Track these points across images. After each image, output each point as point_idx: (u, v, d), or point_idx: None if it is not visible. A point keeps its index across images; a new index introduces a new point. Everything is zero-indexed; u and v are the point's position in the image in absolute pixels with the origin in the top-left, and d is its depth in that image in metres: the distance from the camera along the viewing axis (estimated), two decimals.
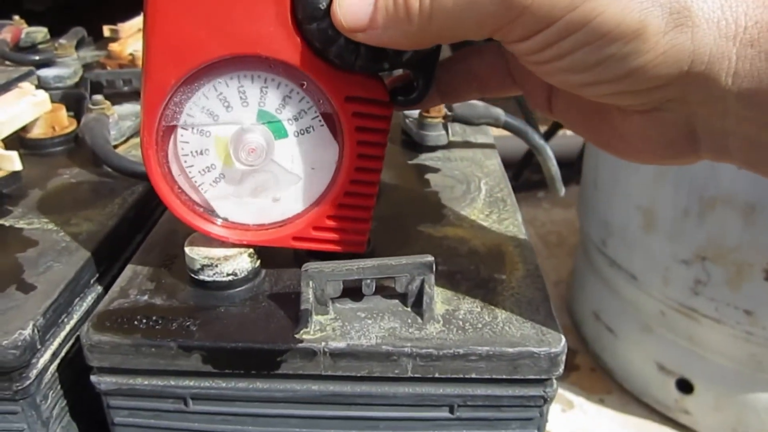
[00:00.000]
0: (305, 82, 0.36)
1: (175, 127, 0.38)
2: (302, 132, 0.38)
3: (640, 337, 1.03)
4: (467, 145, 0.65)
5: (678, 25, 0.28)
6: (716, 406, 0.96)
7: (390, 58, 0.35)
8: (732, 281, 0.84)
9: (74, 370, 0.42)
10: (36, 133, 0.61)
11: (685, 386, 0.99)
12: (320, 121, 0.38)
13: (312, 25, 0.33)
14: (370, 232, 0.43)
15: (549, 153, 0.67)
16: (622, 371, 1.09)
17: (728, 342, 0.90)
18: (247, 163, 0.38)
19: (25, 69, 0.77)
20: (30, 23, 0.95)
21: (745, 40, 0.27)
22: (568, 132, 1.94)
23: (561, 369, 0.37)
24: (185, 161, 0.38)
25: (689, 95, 0.30)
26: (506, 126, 0.65)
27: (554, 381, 0.38)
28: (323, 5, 0.32)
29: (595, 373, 1.14)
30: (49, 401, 0.40)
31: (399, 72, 0.44)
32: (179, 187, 0.40)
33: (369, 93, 0.37)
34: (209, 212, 0.41)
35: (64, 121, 0.63)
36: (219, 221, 0.41)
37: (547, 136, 1.60)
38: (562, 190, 0.71)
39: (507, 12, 0.29)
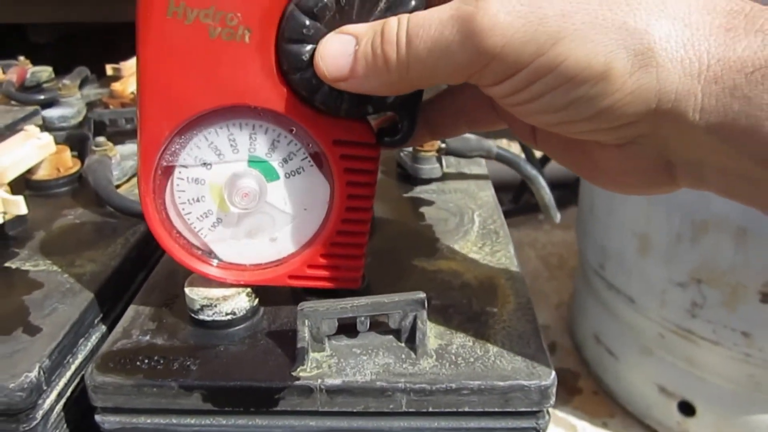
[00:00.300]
0: (294, 128, 0.38)
1: (170, 174, 0.39)
2: (293, 173, 0.39)
3: (641, 359, 1.04)
4: (461, 176, 0.67)
5: (643, 66, 0.29)
6: (718, 428, 0.96)
7: (374, 102, 0.36)
8: (728, 303, 0.85)
9: (79, 409, 0.43)
10: (41, 174, 0.63)
11: (687, 408, 1.00)
12: (309, 162, 0.39)
13: (296, 75, 0.35)
14: (364, 267, 0.45)
15: (541, 182, 0.68)
16: (625, 394, 1.09)
17: (727, 364, 0.91)
18: (241, 206, 0.39)
19: (30, 108, 0.79)
20: (34, 55, 0.97)
21: (709, 77, 0.28)
22: None
23: (552, 401, 0.38)
24: (183, 208, 0.40)
25: (660, 130, 0.31)
26: (498, 158, 0.66)
27: (546, 412, 0.39)
28: (306, 56, 0.34)
29: (597, 396, 1.14)
30: None
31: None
32: (177, 231, 0.41)
33: (356, 136, 0.38)
34: (207, 254, 0.42)
35: (69, 162, 0.65)
36: (215, 262, 0.42)
37: (544, 159, 1.62)
38: (558, 217, 0.73)
39: (477, 60, 0.30)
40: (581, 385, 1.16)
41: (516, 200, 1.78)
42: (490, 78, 0.31)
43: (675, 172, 0.34)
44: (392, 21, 0.32)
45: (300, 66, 0.34)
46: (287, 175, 0.39)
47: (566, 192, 1.56)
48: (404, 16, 0.32)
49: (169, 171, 0.39)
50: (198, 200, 0.40)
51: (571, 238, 1.62)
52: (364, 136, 0.38)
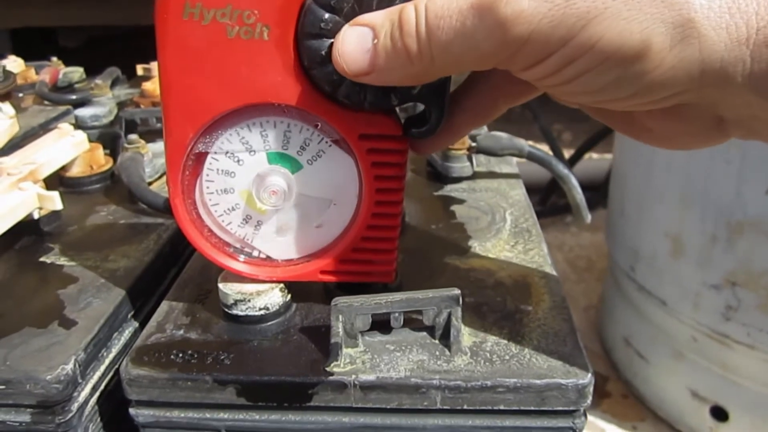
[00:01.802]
0: (319, 123, 0.38)
1: (198, 174, 0.39)
2: (314, 158, 0.39)
3: (672, 363, 1.02)
4: (492, 175, 0.66)
5: (684, 38, 0.27)
6: None
7: (398, 93, 0.36)
8: (763, 306, 0.83)
9: (112, 403, 0.43)
10: (74, 171, 0.64)
11: (719, 414, 0.98)
12: (327, 142, 0.38)
13: (317, 70, 0.34)
14: (397, 264, 0.44)
15: (573, 182, 0.67)
16: (655, 398, 1.07)
17: (761, 368, 0.89)
18: (271, 204, 0.40)
19: (62, 108, 0.81)
20: (64, 59, 0.99)
21: (759, 41, 0.27)
22: (594, 155, 1.93)
23: (589, 400, 0.38)
24: (215, 211, 0.40)
25: (706, 97, 0.30)
26: (530, 156, 0.65)
27: (583, 412, 0.38)
28: (326, 51, 0.33)
29: (627, 400, 1.12)
30: None
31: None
32: (209, 230, 0.41)
33: (382, 129, 0.37)
34: (239, 252, 0.42)
35: (101, 160, 0.66)
36: (242, 258, 0.42)
37: (573, 161, 1.60)
38: (588, 218, 0.72)
39: (505, 48, 0.29)
40: (610, 389, 1.14)
41: (543, 202, 1.77)
42: (521, 64, 0.30)
43: (726, 126, 0.33)
44: (409, 10, 0.31)
45: (320, 61, 0.34)
46: (309, 162, 0.39)
47: (594, 194, 1.54)
48: (421, 4, 0.30)
49: (196, 171, 0.39)
50: (229, 201, 0.40)
51: (598, 240, 1.60)
52: (390, 129, 0.38)
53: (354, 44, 0.32)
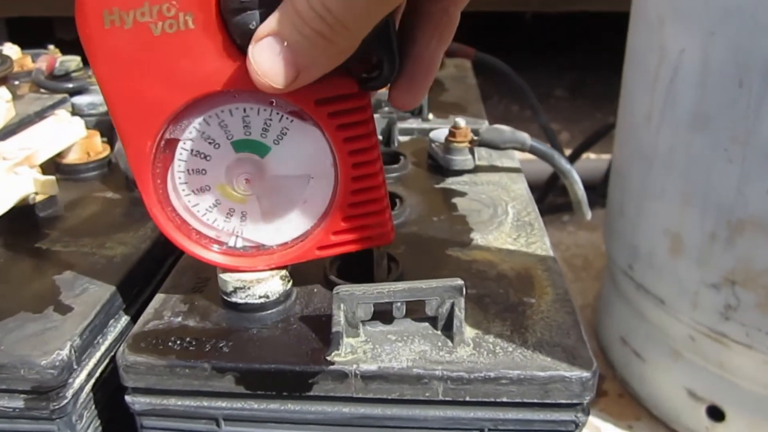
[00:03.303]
0: (273, 100, 0.36)
1: (170, 179, 0.39)
2: (280, 137, 0.38)
3: (669, 362, 1.01)
4: (493, 169, 0.66)
5: None
6: None
7: None
8: (763, 306, 0.83)
9: (107, 391, 0.42)
10: (71, 158, 0.63)
11: (716, 413, 0.97)
12: (288, 118, 0.37)
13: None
14: (398, 254, 0.44)
15: (575, 177, 0.67)
16: (651, 397, 1.07)
17: (760, 368, 0.88)
18: (248, 192, 0.39)
19: (59, 96, 0.80)
20: (60, 50, 0.98)
21: None
22: (592, 155, 1.93)
23: (593, 393, 0.37)
24: (197, 211, 0.40)
25: None
26: (532, 150, 0.65)
27: (586, 405, 0.38)
28: (254, 24, 0.32)
29: (623, 399, 1.12)
30: (84, 421, 0.40)
31: None
32: (197, 232, 0.41)
33: (337, 90, 0.36)
34: (232, 248, 0.41)
35: (98, 147, 0.65)
36: (236, 251, 0.41)
37: (571, 159, 1.60)
38: (589, 214, 0.71)
39: None
40: (606, 388, 1.14)
41: (540, 201, 1.76)
42: None
43: None
44: (298, 0, 0.30)
45: (252, 35, 0.32)
46: (276, 142, 0.38)
47: (591, 193, 1.54)
48: None
49: (167, 176, 0.39)
50: (208, 199, 0.40)
51: (595, 239, 1.60)
52: (345, 87, 0.36)
53: (267, 59, 0.31)
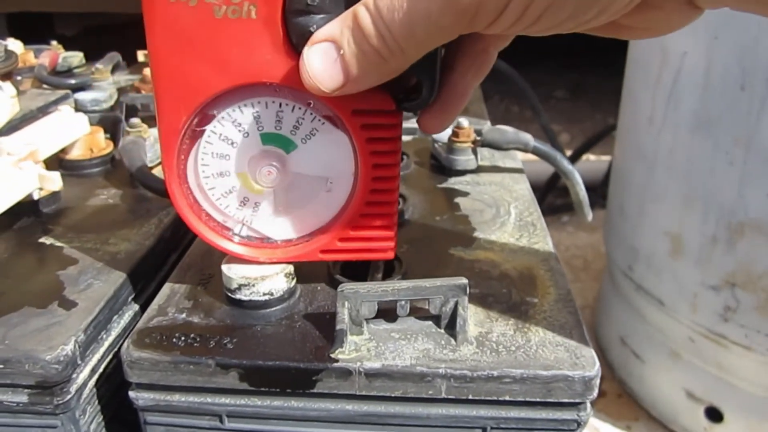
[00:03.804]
0: (311, 101, 0.37)
1: (193, 158, 0.39)
2: (308, 137, 0.38)
3: (668, 363, 1.02)
4: (496, 169, 0.66)
5: None
6: None
7: None
8: (762, 308, 0.83)
9: (111, 387, 0.43)
10: (74, 154, 0.63)
11: (714, 414, 0.98)
12: (320, 120, 0.38)
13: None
14: (402, 254, 0.44)
15: (577, 178, 0.67)
16: (650, 398, 1.07)
17: (758, 369, 0.89)
18: (267, 184, 0.39)
19: (61, 92, 0.80)
20: (63, 47, 0.98)
21: None
22: (592, 157, 1.93)
23: (595, 393, 0.37)
24: (212, 194, 0.40)
25: None
26: (535, 151, 0.65)
27: (588, 405, 0.38)
28: (313, 28, 0.33)
29: (621, 400, 1.12)
30: (87, 416, 0.40)
31: None
32: (206, 214, 0.41)
33: (374, 104, 0.37)
34: (237, 235, 0.42)
35: (102, 144, 0.65)
36: (240, 240, 0.42)
37: (571, 160, 1.60)
38: (590, 215, 0.71)
39: (463, 16, 0.29)
40: (605, 388, 1.14)
41: (540, 202, 1.76)
42: (484, 23, 0.30)
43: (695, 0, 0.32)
44: (363, 13, 0.31)
45: (309, 38, 0.33)
46: (303, 141, 0.38)
47: (591, 194, 1.54)
48: (370, 3, 0.30)
49: (191, 155, 0.39)
50: (226, 184, 0.40)
51: (595, 240, 1.61)
52: (383, 103, 0.37)
53: (320, 62, 0.32)
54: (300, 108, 0.37)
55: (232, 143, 0.38)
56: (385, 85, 0.35)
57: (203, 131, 0.38)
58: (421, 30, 0.30)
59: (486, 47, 0.38)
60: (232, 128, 0.38)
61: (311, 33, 0.33)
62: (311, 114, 0.38)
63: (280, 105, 0.37)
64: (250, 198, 0.40)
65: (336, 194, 0.40)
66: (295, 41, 0.34)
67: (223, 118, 0.37)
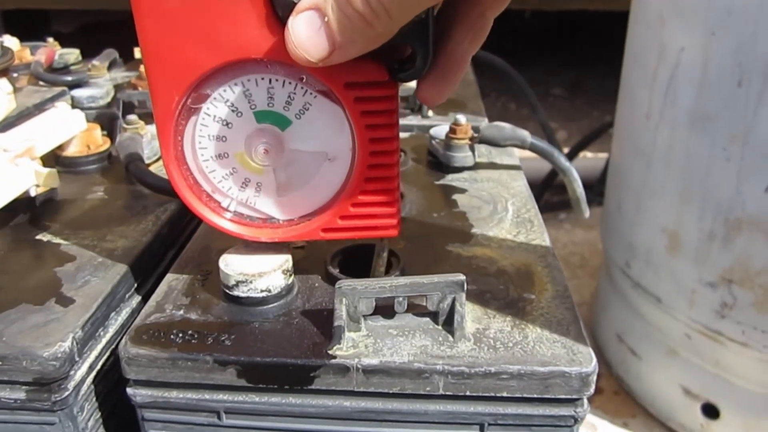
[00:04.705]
0: (303, 76, 0.37)
1: (190, 140, 0.39)
2: (302, 112, 0.38)
3: (665, 360, 1.02)
4: (493, 166, 0.66)
5: None
6: (742, 431, 0.95)
7: None
8: (759, 304, 0.83)
9: (108, 383, 0.43)
10: (71, 151, 0.63)
11: (711, 411, 0.98)
12: (312, 94, 0.37)
13: None
14: (399, 251, 0.44)
15: (575, 175, 0.67)
16: (647, 395, 1.08)
17: (755, 366, 0.89)
18: (265, 163, 0.39)
19: (58, 89, 0.79)
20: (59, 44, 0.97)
21: None
22: (589, 154, 1.93)
23: (592, 389, 0.37)
24: (213, 177, 0.40)
25: None
26: (532, 148, 0.65)
27: (585, 401, 0.38)
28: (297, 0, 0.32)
29: (618, 397, 1.12)
30: (84, 413, 0.40)
31: None
32: (207, 195, 0.41)
33: (367, 76, 0.36)
34: (238, 215, 0.42)
35: (99, 140, 0.65)
36: (237, 219, 0.42)
37: (568, 158, 1.60)
38: (587, 212, 0.71)
39: None
40: (602, 385, 1.14)
41: (537, 199, 1.76)
42: None
43: None
44: None
45: (293, 8, 0.32)
46: (297, 116, 0.38)
47: (588, 191, 1.54)
48: None
49: (188, 137, 0.39)
50: (226, 166, 0.40)
51: (592, 237, 1.61)
52: (376, 75, 0.36)
53: (305, 31, 0.32)
54: (290, 83, 0.37)
55: (228, 124, 0.38)
56: (379, 56, 0.35)
57: (198, 110, 0.38)
58: None
59: (482, 12, 0.37)
60: (225, 109, 0.38)
61: (295, 4, 0.32)
62: (302, 88, 0.37)
63: (270, 81, 0.37)
64: (251, 179, 0.40)
65: (335, 170, 0.40)
66: (281, 14, 0.34)
67: (215, 99, 0.37)
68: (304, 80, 0.37)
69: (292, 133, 0.39)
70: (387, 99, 0.37)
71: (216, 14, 0.34)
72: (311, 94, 0.37)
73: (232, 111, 0.38)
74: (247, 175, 0.40)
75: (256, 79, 0.37)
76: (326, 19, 0.31)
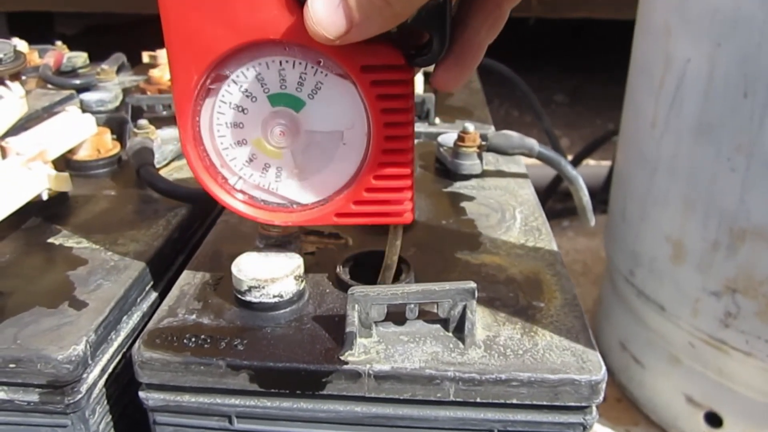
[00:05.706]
0: (321, 59, 0.37)
1: (208, 127, 0.39)
2: (314, 92, 0.38)
3: (668, 368, 1.02)
4: (500, 174, 0.66)
5: None
6: None
7: None
8: (763, 314, 0.84)
9: (119, 386, 0.43)
10: (82, 155, 0.63)
11: (714, 420, 0.98)
12: (323, 73, 0.38)
13: None
14: (409, 257, 0.44)
15: (581, 183, 0.68)
16: (650, 403, 1.08)
17: (759, 375, 0.89)
18: (282, 145, 0.40)
19: (66, 92, 0.80)
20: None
21: None
22: (592, 162, 1.94)
23: (601, 396, 0.38)
24: (234, 165, 0.41)
25: None
26: (540, 156, 0.65)
27: (594, 408, 0.38)
28: None
29: (621, 404, 1.12)
30: (96, 416, 0.41)
31: None
32: (222, 177, 0.41)
33: (384, 59, 0.37)
34: (253, 198, 0.42)
35: (108, 144, 0.65)
36: (250, 201, 0.42)
37: (576, 161, 1.60)
38: (593, 220, 0.72)
39: None
40: (605, 392, 1.14)
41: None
42: None
43: None
44: None
45: None
46: (310, 96, 0.38)
47: (591, 199, 1.54)
48: None
49: (205, 122, 0.39)
50: (245, 153, 0.40)
51: (595, 245, 1.61)
52: (392, 58, 0.37)
53: (324, 8, 0.32)
54: (300, 63, 0.37)
55: (243, 110, 0.39)
56: (395, 40, 0.35)
57: (216, 90, 0.38)
58: None
59: (499, 3, 0.37)
60: (239, 95, 0.38)
61: None
62: (313, 67, 0.37)
63: (280, 63, 0.37)
64: (271, 164, 0.40)
65: (351, 155, 0.40)
66: None
67: (229, 85, 0.38)
68: (321, 63, 0.37)
69: (306, 114, 0.39)
70: (402, 83, 0.38)
71: None
72: (321, 72, 0.38)
73: (247, 96, 0.38)
74: (266, 160, 0.40)
75: (267, 62, 0.37)
76: None
